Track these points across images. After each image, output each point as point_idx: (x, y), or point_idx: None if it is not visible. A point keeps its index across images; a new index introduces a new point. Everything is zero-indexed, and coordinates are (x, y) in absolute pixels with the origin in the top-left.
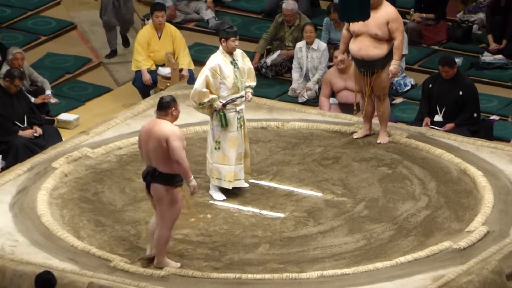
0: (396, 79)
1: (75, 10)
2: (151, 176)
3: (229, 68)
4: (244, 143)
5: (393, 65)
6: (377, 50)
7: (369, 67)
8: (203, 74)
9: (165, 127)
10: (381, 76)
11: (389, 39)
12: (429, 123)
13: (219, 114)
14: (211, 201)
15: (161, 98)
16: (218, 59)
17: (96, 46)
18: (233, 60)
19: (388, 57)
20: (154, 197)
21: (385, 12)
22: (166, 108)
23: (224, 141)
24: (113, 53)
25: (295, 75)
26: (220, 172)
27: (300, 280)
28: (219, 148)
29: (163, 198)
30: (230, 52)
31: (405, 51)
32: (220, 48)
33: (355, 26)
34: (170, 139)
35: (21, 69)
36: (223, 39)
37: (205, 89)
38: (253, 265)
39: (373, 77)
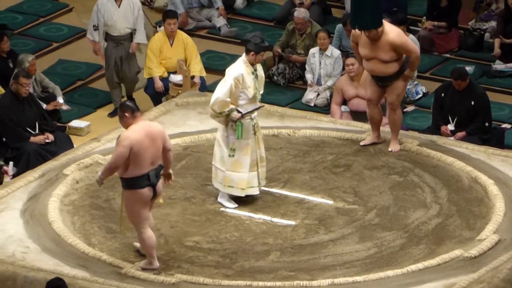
0: (408, 87)
1: (87, 17)
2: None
3: (250, 78)
4: (259, 148)
5: (407, 73)
6: (390, 69)
7: (384, 81)
8: (227, 83)
9: (159, 126)
10: (395, 84)
11: (400, 57)
12: (447, 131)
13: (238, 124)
14: (222, 209)
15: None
16: (241, 69)
17: None
18: (254, 70)
19: (403, 68)
20: (158, 193)
21: (387, 41)
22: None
23: (240, 148)
24: (116, 112)
25: (309, 75)
26: (232, 180)
27: None
28: (233, 155)
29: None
30: (252, 63)
31: None
32: (244, 58)
33: (363, 51)
34: (167, 137)
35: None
36: (252, 53)
37: (228, 99)
38: (264, 272)
39: (387, 88)
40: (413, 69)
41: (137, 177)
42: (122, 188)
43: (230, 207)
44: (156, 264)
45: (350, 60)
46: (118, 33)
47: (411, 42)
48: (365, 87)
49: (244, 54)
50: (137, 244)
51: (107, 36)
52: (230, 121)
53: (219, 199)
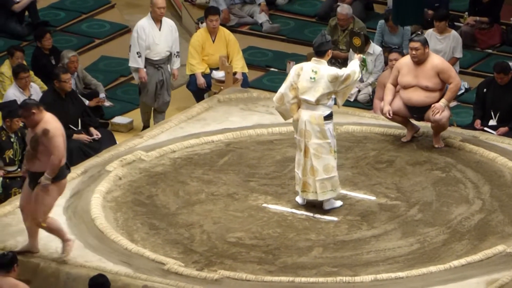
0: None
1: (129, 13)
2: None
3: None
4: None
5: (440, 102)
6: (429, 99)
7: (420, 113)
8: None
9: None
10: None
11: (442, 88)
12: (479, 125)
13: (364, 59)
14: (264, 204)
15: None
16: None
17: None
18: None
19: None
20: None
21: (432, 65)
22: None
23: (336, 148)
24: (145, 128)
25: None
26: (337, 180)
27: (354, 284)
28: (336, 158)
29: None
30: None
31: (459, 55)
32: (325, 60)
33: (404, 80)
34: None
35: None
36: (330, 49)
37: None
38: (306, 268)
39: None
40: (449, 98)
41: (62, 167)
42: (44, 182)
43: (340, 204)
44: (69, 238)
45: (393, 55)
46: (159, 56)
47: (455, 70)
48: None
49: (321, 58)
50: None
51: (147, 61)
52: (361, 65)
53: (328, 207)
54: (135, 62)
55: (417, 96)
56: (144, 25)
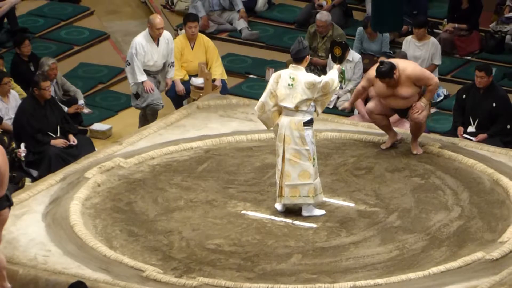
0: None
1: (108, 20)
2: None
3: None
4: None
5: (421, 102)
6: (409, 103)
7: (404, 113)
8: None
9: None
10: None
11: (419, 90)
12: (462, 133)
13: (343, 70)
14: (243, 211)
15: None
16: None
17: None
18: None
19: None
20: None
21: (406, 77)
22: None
23: (315, 155)
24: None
25: None
26: (316, 188)
27: None
28: (314, 165)
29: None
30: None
31: (438, 62)
32: (302, 67)
33: (381, 92)
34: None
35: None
36: (308, 55)
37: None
38: (285, 275)
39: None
40: (428, 98)
41: (1, 198)
42: None
43: (321, 214)
44: (8, 285)
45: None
46: (156, 68)
47: (430, 72)
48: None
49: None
50: None
51: (145, 72)
52: (339, 76)
53: (306, 214)
54: (141, 76)
55: (396, 103)
56: (142, 42)
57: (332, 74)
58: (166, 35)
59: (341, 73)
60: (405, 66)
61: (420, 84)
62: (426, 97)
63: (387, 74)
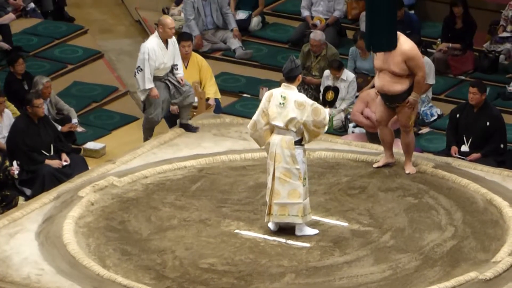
0: (422, 108)
1: (102, 38)
2: None
3: None
4: None
5: (412, 97)
6: (398, 86)
7: (392, 101)
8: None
9: None
10: (404, 108)
11: (410, 74)
12: (456, 152)
13: (332, 116)
14: (236, 230)
15: None
16: None
17: (123, 75)
18: None
19: (411, 90)
20: None
21: (401, 51)
22: None
23: (306, 175)
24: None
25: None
26: (306, 208)
27: None
28: (305, 184)
29: None
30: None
31: (432, 81)
32: (294, 86)
33: (376, 63)
34: None
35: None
36: (300, 75)
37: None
38: None
39: (397, 109)
40: (418, 91)
41: None
42: None
43: (314, 233)
44: None
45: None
46: (165, 71)
47: (423, 60)
48: (375, 108)
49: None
50: None
51: (155, 78)
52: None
53: (299, 233)
54: (149, 83)
55: (387, 83)
56: (154, 47)
57: (327, 110)
58: (172, 39)
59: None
60: (405, 41)
61: (409, 65)
62: (415, 91)
63: None
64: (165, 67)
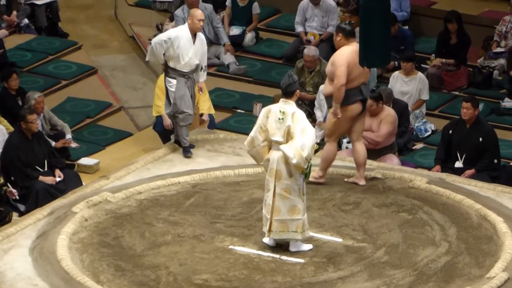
0: (416, 124)
1: (95, 54)
2: None
3: None
4: None
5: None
6: (327, 88)
7: (328, 102)
8: (309, 127)
9: None
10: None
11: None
12: (439, 171)
13: (309, 166)
14: (230, 246)
15: None
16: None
17: (117, 91)
18: None
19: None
20: None
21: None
22: None
23: (305, 191)
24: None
25: (318, 113)
26: (304, 224)
27: None
28: (304, 200)
29: None
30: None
31: (426, 97)
32: (292, 101)
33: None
34: None
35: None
36: (298, 90)
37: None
38: None
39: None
40: (334, 101)
41: None
42: None
43: (308, 249)
44: None
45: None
46: (189, 68)
47: (342, 70)
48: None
49: (289, 99)
50: None
51: (176, 72)
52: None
53: (293, 249)
54: (150, 58)
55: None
56: (180, 35)
57: (310, 142)
58: (200, 35)
59: (306, 170)
60: (342, 50)
61: (330, 70)
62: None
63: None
64: (190, 62)
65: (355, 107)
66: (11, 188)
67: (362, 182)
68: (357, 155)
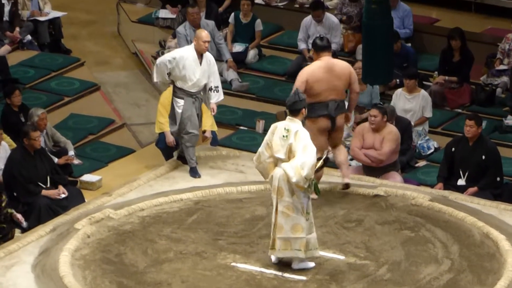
0: (419, 142)
1: (98, 71)
2: None
3: None
4: None
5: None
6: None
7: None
8: (311, 146)
9: None
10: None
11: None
12: (442, 188)
13: (314, 183)
14: (233, 263)
15: None
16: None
17: (120, 107)
18: None
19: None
20: None
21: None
22: None
23: (310, 209)
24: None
25: None
26: (310, 242)
27: None
28: (308, 219)
29: None
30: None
31: (429, 114)
32: (299, 119)
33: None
34: None
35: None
36: (304, 108)
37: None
38: None
39: None
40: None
41: None
42: None
43: (311, 266)
44: None
45: (373, 112)
46: (197, 89)
47: (297, 85)
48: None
49: (295, 117)
50: None
51: (184, 92)
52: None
53: (296, 267)
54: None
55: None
56: (185, 56)
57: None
58: (208, 55)
59: (312, 185)
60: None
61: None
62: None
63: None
64: (197, 83)
65: (321, 121)
66: (18, 216)
67: (346, 180)
68: (336, 154)
